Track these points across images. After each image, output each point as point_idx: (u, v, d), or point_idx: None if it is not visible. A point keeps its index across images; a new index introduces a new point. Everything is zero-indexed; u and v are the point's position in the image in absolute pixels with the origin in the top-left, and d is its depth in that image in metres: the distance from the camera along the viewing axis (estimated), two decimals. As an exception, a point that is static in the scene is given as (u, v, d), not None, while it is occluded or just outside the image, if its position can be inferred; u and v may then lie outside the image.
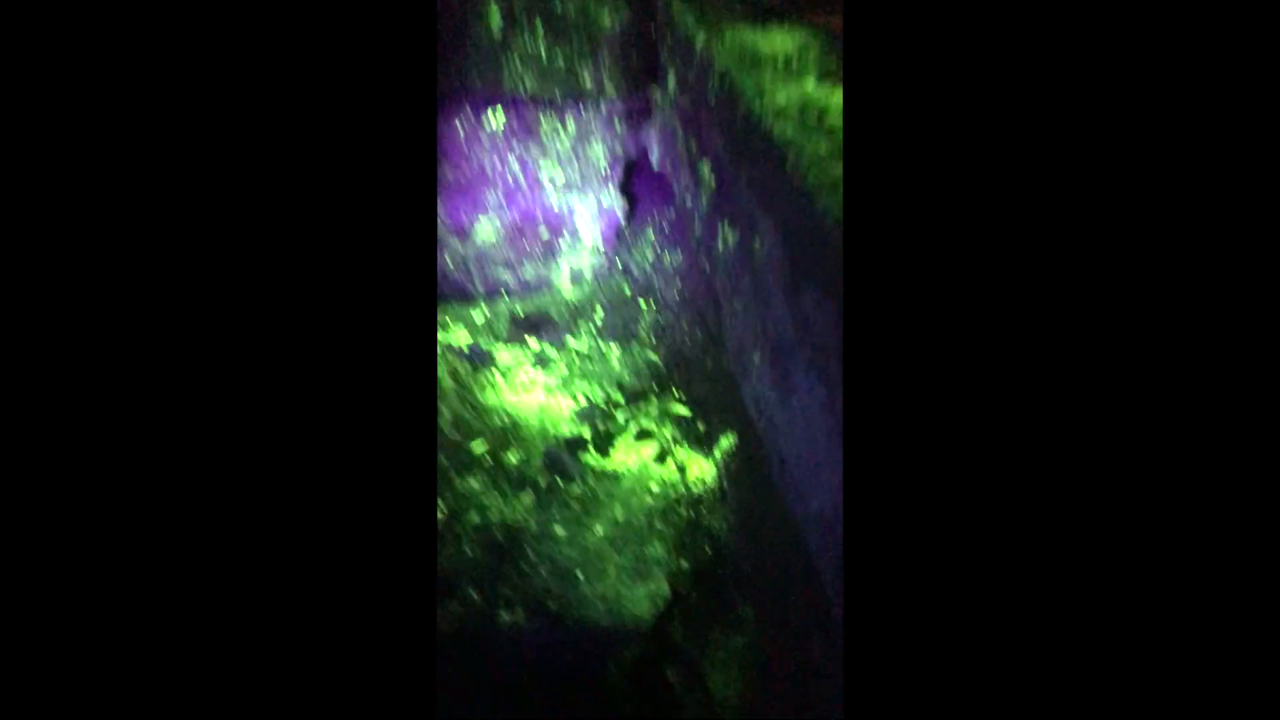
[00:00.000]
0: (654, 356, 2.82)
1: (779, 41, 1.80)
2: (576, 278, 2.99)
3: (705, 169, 1.87)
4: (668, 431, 2.55)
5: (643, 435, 2.52)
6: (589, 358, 2.79)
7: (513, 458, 2.42)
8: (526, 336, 2.81)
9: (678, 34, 2.11)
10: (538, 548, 2.19)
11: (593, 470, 2.40)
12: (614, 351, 2.82)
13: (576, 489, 2.34)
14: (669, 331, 2.90)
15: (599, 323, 2.92)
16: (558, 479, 2.36)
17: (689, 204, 2.10)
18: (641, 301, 3.01)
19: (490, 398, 2.61)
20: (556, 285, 2.98)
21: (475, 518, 2.26)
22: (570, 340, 2.83)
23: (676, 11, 2.13)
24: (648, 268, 3.07)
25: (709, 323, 2.70)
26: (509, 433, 2.50)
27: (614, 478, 2.39)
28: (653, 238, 3.07)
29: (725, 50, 1.79)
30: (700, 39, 1.92)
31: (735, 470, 2.33)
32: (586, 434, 2.51)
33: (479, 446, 2.44)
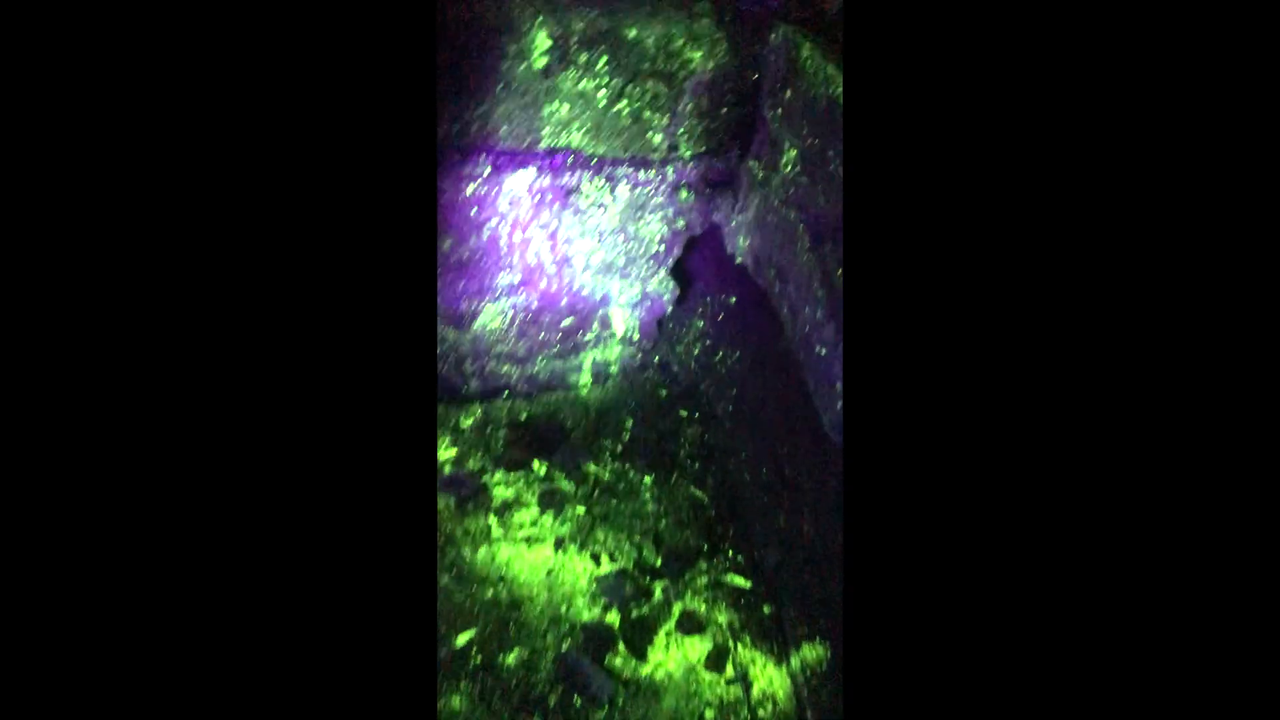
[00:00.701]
0: (699, 493, 2.14)
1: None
2: (600, 375, 2.29)
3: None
4: (722, 615, 1.88)
5: (689, 623, 1.84)
6: (614, 492, 2.10)
7: (511, 659, 1.72)
8: (532, 460, 2.11)
9: (804, 89, 1.43)
10: (547, 825, 1.50)
11: (622, 681, 1.71)
12: (647, 484, 2.13)
13: (602, 713, 1.65)
14: (720, 457, 2.22)
15: (626, 439, 2.23)
16: (576, 698, 1.67)
17: (804, 331, 1.42)
18: (683, 410, 2.33)
19: (481, 555, 1.90)
20: (574, 383, 2.28)
21: (455, 762, 1.56)
22: (590, 466, 2.14)
23: (807, 59, 1.44)
24: (692, 364, 2.39)
25: (780, 457, 2.03)
26: (506, 615, 1.79)
27: (652, 693, 1.71)
28: (701, 327, 2.38)
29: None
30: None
31: (829, 700, 1.66)
32: (614, 620, 1.82)
33: (463, 638, 1.74)
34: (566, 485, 2.08)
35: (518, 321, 2.03)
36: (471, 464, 2.08)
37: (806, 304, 1.38)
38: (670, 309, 2.22)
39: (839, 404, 1.30)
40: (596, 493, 2.09)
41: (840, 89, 1.31)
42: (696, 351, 2.38)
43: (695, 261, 2.37)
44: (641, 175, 1.76)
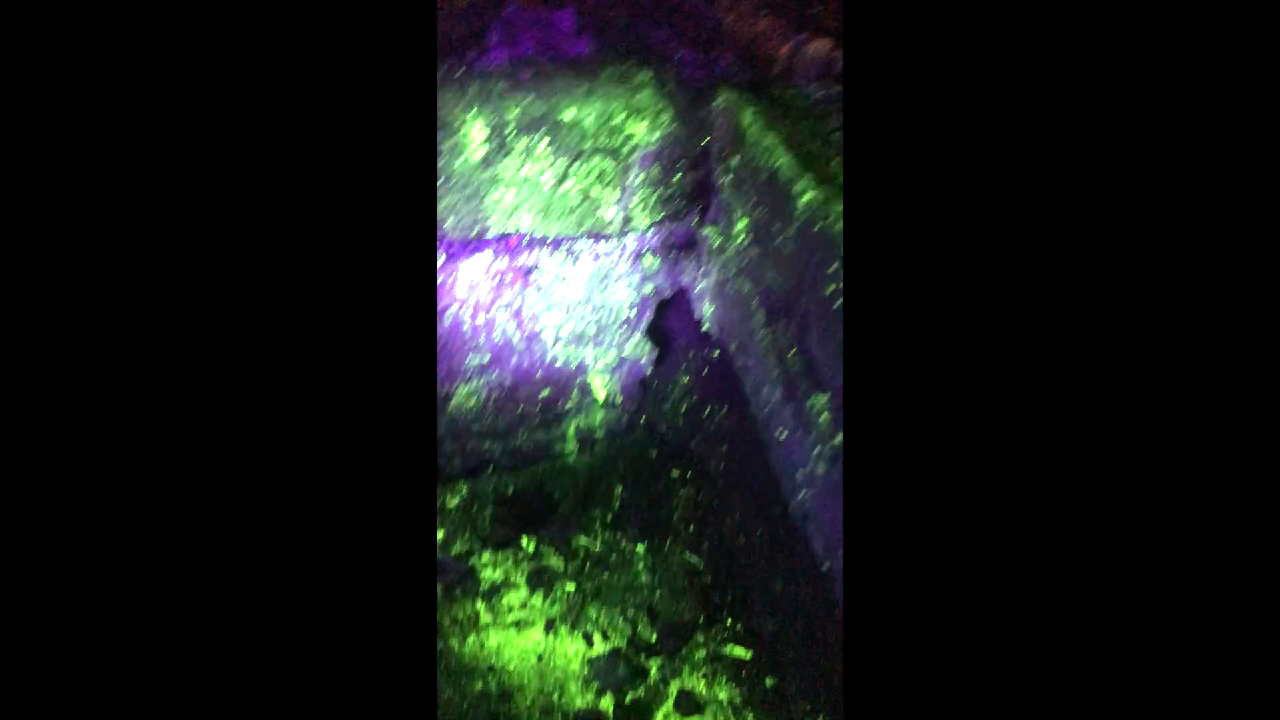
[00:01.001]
0: (694, 559, 2.07)
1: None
2: (586, 442, 2.24)
3: (819, 402, 1.13)
4: (722, 692, 1.80)
5: (688, 704, 1.76)
6: (605, 564, 2.04)
7: (503, 757, 1.66)
8: (520, 536, 2.06)
9: (749, 157, 1.38)
10: None
11: (620, 773, 1.64)
12: (640, 553, 2.07)
13: (597, 812, 1.59)
14: (714, 519, 2.15)
15: (616, 506, 2.17)
16: (570, 797, 1.60)
17: (765, 412, 1.36)
18: (674, 471, 2.27)
19: (470, 644, 1.85)
20: (560, 452, 2.23)
21: None
22: (581, 538, 2.08)
23: (750, 126, 1.40)
24: (680, 422, 2.33)
25: (774, 516, 1.95)
26: (496, 709, 1.74)
27: (651, 784, 1.64)
28: (686, 383, 2.33)
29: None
30: (801, 184, 1.19)
31: (832, 785, 1.58)
32: (607, 705, 1.75)
33: (453, 737, 1.69)
34: (556, 561, 2.03)
35: (493, 398, 1.99)
36: (459, 546, 2.04)
37: (765, 383, 1.33)
38: (651, 369, 2.17)
39: (801, 494, 1.23)
40: (587, 566, 2.03)
41: (781, 160, 1.26)
42: (684, 409, 2.32)
43: (674, 318, 2.32)
44: (601, 247, 1.72)
